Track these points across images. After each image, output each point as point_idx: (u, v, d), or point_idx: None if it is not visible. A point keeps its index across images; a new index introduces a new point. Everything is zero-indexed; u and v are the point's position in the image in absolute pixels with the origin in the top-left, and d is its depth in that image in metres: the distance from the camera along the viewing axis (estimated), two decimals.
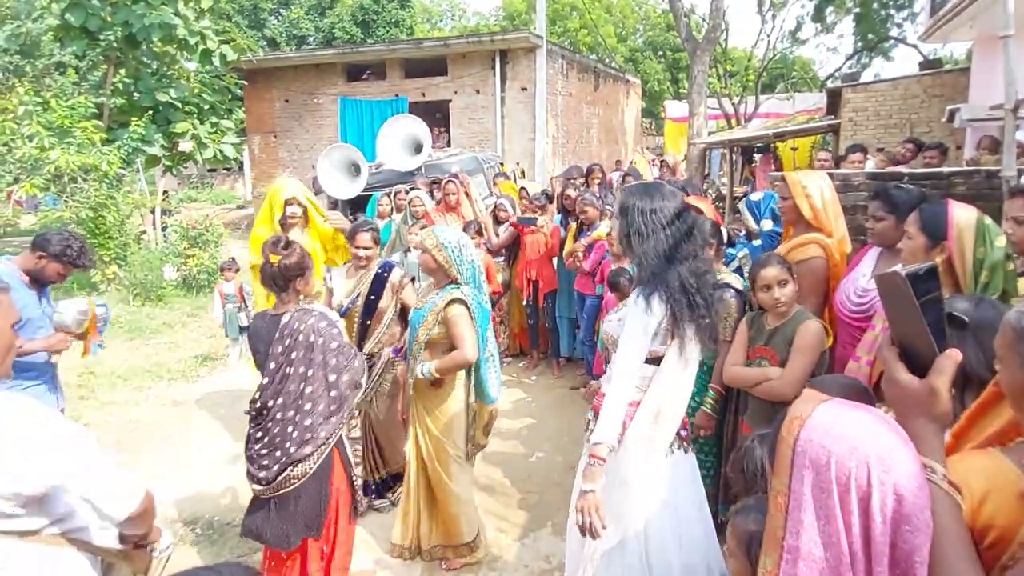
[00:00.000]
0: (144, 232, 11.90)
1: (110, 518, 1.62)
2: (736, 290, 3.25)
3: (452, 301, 3.08)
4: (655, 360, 2.37)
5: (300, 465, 2.73)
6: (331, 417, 2.78)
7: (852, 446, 0.97)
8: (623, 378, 2.27)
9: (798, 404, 1.07)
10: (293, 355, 2.73)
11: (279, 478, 2.71)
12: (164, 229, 12.02)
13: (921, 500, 0.94)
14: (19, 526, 1.49)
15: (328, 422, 2.77)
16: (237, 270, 6.66)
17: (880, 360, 1.16)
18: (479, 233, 5.78)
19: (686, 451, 2.54)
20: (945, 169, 5.30)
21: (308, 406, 2.73)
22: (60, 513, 1.56)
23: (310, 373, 2.74)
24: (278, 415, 2.73)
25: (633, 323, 2.29)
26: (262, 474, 2.72)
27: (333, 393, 2.77)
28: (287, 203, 4.52)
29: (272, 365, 2.77)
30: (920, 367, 1.08)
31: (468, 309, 3.10)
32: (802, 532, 0.99)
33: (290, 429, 2.72)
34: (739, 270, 3.58)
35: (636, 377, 2.32)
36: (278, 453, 2.72)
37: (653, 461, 2.39)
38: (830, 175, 3.60)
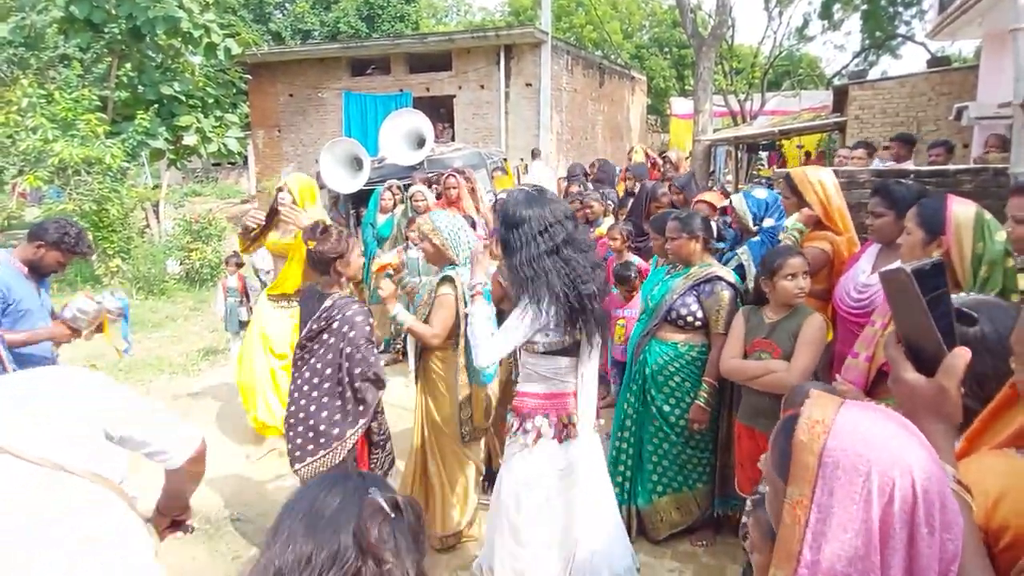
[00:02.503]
0: (148, 226, 11.91)
1: (170, 461, 1.76)
2: (728, 283, 3.24)
3: (443, 280, 3.14)
4: (562, 351, 2.55)
5: (314, 463, 2.94)
6: (347, 417, 2.93)
7: (895, 455, 0.91)
8: (489, 346, 2.45)
9: (814, 407, 1.00)
10: (324, 337, 2.93)
11: (298, 466, 2.97)
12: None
13: (954, 505, 0.91)
14: (110, 468, 1.61)
15: (344, 422, 2.92)
16: (240, 264, 6.65)
17: (887, 358, 1.12)
18: (473, 227, 5.73)
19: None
20: (951, 167, 5.26)
21: (325, 399, 2.92)
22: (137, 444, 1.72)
23: (332, 359, 2.93)
24: (297, 392, 2.99)
25: (519, 318, 2.45)
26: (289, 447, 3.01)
27: (348, 393, 2.92)
28: (278, 190, 4.53)
29: (306, 336, 3.00)
30: (928, 365, 1.05)
31: (456, 289, 3.11)
32: (825, 546, 0.92)
33: (307, 418, 2.94)
34: (740, 267, 3.55)
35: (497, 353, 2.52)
36: (298, 440, 2.97)
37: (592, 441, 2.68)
38: (835, 172, 3.59)
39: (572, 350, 2.57)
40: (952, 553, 0.90)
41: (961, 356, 1.01)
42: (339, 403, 2.91)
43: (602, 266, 2.61)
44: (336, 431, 2.91)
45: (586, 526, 2.64)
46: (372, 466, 3.10)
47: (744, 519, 1.60)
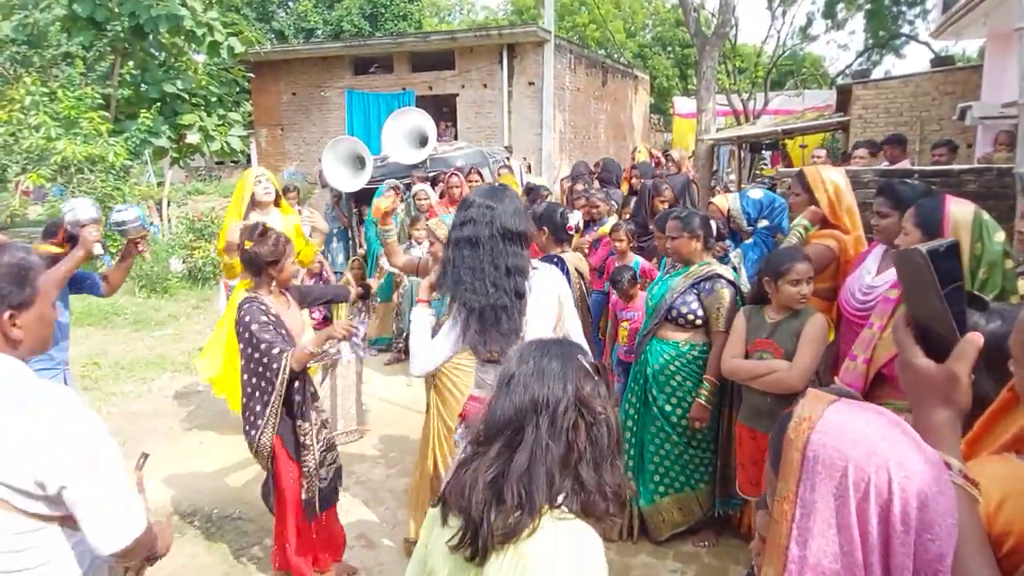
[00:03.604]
0: (151, 223, 11.90)
1: (95, 548, 1.54)
2: (728, 281, 3.23)
3: None
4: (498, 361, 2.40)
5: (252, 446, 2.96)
6: (257, 406, 2.88)
7: (871, 450, 0.91)
8: (423, 357, 2.42)
9: (805, 405, 1.00)
10: (240, 338, 2.91)
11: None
12: (169, 221, 12.04)
13: (942, 505, 0.88)
14: (39, 509, 1.50)
15: (256, 411, 2.89)
16: None
17: (895, 342, 1.09)
18: None
19: None
20: (956, 167, 5.23)
21: (246, 397, 2.92)
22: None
23: (242, 363, 2.91)
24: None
25: (448, 326, 2.40)
26: None
27: (251, 387, 2.89)
28: (256, 180, 4.69)
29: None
30: (938, 351, 1.01)
31: None
32: (810, 541, 0.92)
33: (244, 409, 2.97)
34: (734, 271, 3.54)
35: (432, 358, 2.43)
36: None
37: None
38: None
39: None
40: (935, 553, 0.88)
41: (974, 342, 0.98)
42: (257, 395, 2.87)
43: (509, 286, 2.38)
44: (252, 420, 2.90)
45: None
46: (303, 469, 2.97)
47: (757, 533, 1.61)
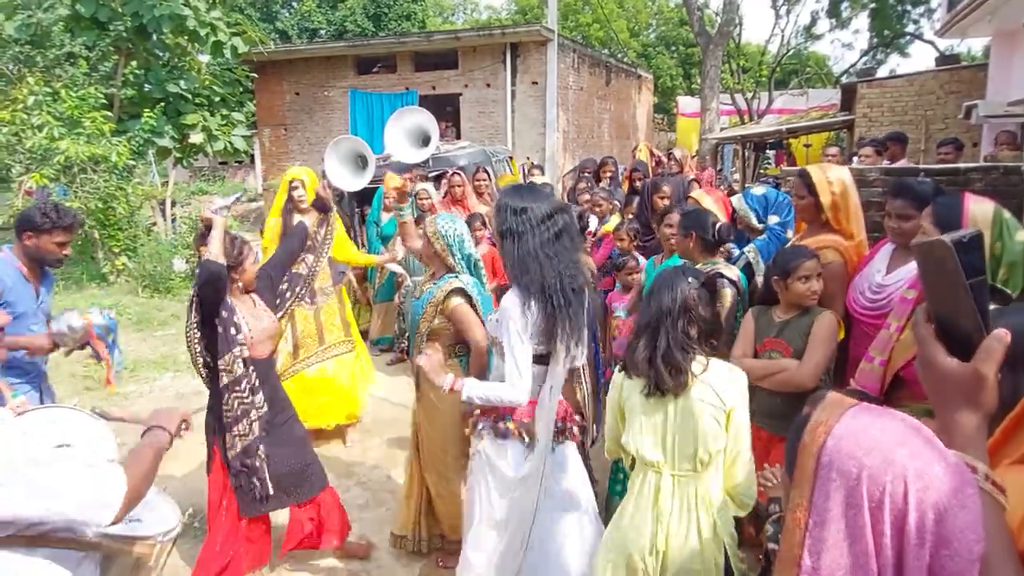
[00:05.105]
0: (154, 224, 11.92)
1: (98, 526, 1.59)
2: (730, 280, 3.19)
3: (451, 292, 2.97)
4: (538, 359, 2.44)
5: None
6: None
7: (887, 459, 0.86)
8: (516, 387, 2.38)
9: (822, 410, 0.96)
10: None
11: None
12: (173, 220, 12.06)
13: (962, 520, 0.84)
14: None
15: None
16: None
17: (915, 338, 1.04)
18: (484, 225, 5.66)
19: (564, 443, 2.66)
20: (962, 165, 5.19)
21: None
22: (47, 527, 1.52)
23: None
24: None
25: (509, 327, 2.37)
26: None
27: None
28: (291, 186, 4.61)
29: None
30: (961, 349, 0.96)
31: (469, 298, 2.99)
32: (824, 552, 0.89)
33: None
34: (748, 267, 3.50)
35: (528, 380, 2.40)
36: None
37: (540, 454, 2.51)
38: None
39: (542, 359, 2.45)
40: (952, 571, 0.83)
41: (1001, 339, 0.93)
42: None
43: (585, 262, 2.55)
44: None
45: (540, 533, 2.48)
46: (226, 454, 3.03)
47: (769, 546, 1.58)
